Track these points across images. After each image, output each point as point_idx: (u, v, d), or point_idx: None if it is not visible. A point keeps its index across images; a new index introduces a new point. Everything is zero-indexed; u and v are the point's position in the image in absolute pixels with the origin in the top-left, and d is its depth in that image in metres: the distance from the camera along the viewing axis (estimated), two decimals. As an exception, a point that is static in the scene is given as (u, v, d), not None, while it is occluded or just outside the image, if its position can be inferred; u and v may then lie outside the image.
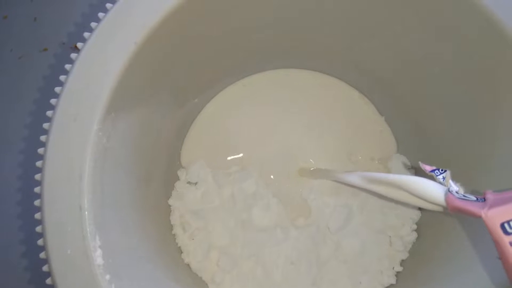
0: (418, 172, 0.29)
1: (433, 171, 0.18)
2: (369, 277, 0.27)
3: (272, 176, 0.30)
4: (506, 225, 0.14)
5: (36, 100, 0.25)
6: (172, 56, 0.23)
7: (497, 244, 0.15)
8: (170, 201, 0.29)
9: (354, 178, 0.24)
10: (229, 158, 0.30)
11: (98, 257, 0.18)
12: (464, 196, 0.17)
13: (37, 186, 0.18)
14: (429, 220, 0.28)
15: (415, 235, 0.28)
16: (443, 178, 0.18)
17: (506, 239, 0.14)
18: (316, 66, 0.32)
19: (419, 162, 0.19)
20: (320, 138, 0.31)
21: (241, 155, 0.31)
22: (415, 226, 0.28)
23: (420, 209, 0.29)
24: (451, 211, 0.17)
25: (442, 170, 0.18)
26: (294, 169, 0.30)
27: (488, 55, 0.21)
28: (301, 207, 0.29)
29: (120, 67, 0.19)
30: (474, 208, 0.15)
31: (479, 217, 0.15)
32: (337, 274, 0.28)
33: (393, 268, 0.28)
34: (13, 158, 0.25)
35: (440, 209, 0.18)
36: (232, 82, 0.31)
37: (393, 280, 0.27)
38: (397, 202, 0.26)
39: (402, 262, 0.28)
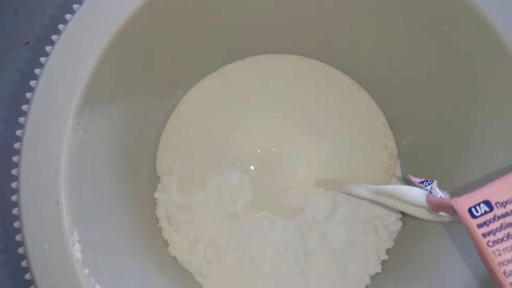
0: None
1: (421, 182, 0.19)
2: (356, 266, 0.28)
3: (254, 168, 0.30)
4: (473, 210, 0.15)
5: (13, 94, 0.25)
6: (149, 47, 0.22)
7: (467, 228, 0.15)
8: (156, 194, 0.29)
9: (361, 190, 0.25)
10: (209, 154, 0.30)
11: (76, 252, 0.17)
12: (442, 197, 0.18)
13: (14, 181, 0.18)
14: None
15: (400, 224, 0.28)
16: (431, 187, 0.19)
17: (473, 222, 0.15)
18: (301, 50, 0.31)
19: (409, 175, 0.20)
20: (307, 129, 0.30)
21: (222, 150, 0.30)
22: (400, 215, 0.29)
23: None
24: (432, 209, 0.18)
25: (430, 181, 0.19)
26: (278, 161, 0.30)
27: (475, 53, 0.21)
28: (287, 200, 0.29)
29: (94, 59, 0.18)
30: (448, 200, 0.16)
31: (451, 206, 0.16)
32: (323, 264, 0.28)
33: (379, 256, 0.28)
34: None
35: (429, 216, 0.19)
36: (211, 72, 0.31)
37: (378, 269, 0.28)
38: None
39: (388, 251, 0.28)
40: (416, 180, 0.19)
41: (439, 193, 0.18)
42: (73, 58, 0.18)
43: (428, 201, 0.18)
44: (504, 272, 0.14)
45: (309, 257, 0.28)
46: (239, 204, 0.29)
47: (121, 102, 0.22)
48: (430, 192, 0.19)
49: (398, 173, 0.30)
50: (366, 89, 0.31)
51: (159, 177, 0.29)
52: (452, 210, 0.16)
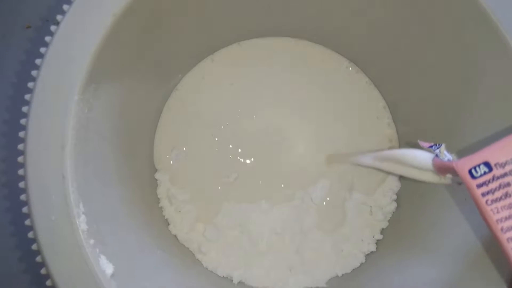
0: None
1: (430, 146, 0.20)
2: (351, 245, 0.28)
3: (251, 150, 0.30)
4: (473, 170, 0.16)
5: (18, 72, 0.25)
6: (152, 28, 0.23)
7: (467, 188, 0.16)
8: (157, 175, 0.29)
9: (367, 159, 0.25)
10: (206, 137, 0.30)
11: (82, 223, 0.18)
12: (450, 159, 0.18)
13: (20, 155, 0.19)
14: (409, 191, 0.29)
15: (394, 205, 0.29)
16: (439, 151, 0.19)
17: (473, 182, 0.16)
18: (298, 33, 0.31)
19: (418, 141, 0.20)
20: (305, 111, 0.30)
21: (219, 132, 0.30)
22: (395, 197, 0.29)
23: (400, 180, 0.30)
24: (438, 172, 0.19)
25: (438, 144, 0.19)
26: (276, 143, 0.30)
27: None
28: (285, 181, 0.30)
29: (99, 38, 0.19)
30: (450, 163, 0.17)
31: (453, 168, 0.16)
32: (319, 243, 0.29)
33: (374, 236, 0.29)
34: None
35: (436, 179, 0.19)
36: (207, 55, 0.31)
37: (373, 248, 0.28)
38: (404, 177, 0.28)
39: (382, 231, 0.29)
40: (425, 144, 0.20)
41: (447, 156, 0.18)
42: (78, 36, 0.19)
43: (434, 164, 0.19)
44: (502, 229, 0.15)
45: (305, 236, 0.29)
46: (238, 185, 0.29)
47: (123, 82, 0.23)
48: (437, 155, 0.19)
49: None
50: (365, 72, 0.31)
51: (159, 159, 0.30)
52: (454, 172, 0.17)
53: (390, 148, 0.30)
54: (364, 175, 0.29)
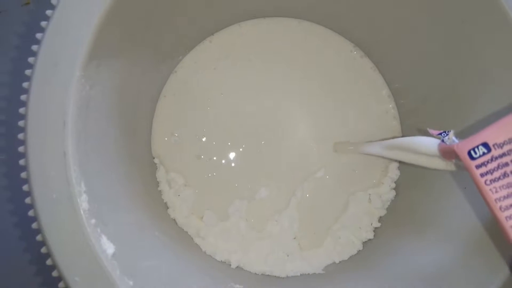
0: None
1: (440, 133, 0.20)
2: (348, 232, 0.29)
3: (252, 134, 0.30)
4: (472, 152, 0.16)
5: (18, 46, 0.25)
6: (153, 7, 0.22)
7: (467, 169, 0.16)
8: (156, 160, 0.29)
9: (375, 148, 0.26)
10: (204, 123, 0.30)
11: (83, 202, 0.18)
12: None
13: (21, 132, 0.18)
14: (407, 179, 0.29)
15: (393, 193, 0.29)
16: (447, 137, 0.19)
17: (472, 163, 0.16)
18: (301, 14, 0.30)
19: (427, 128, 0.20)
20: (307, 94, 0.30)
21: (217, 118, 0.30)
22: (393, 185, 0.29)
23: (399, 168, 0.30)
24: (444, 157, 0.19)
25: (447, 131, 0.19)
26: (277, 126, 0.30)
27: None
28: (285, 166, 0.30)
29: (101, 14, 0.18)
30: (451, 145, 0.17)
31: (454, 151, 0.17)
32: (318, 229, 0.29)
33: (372, 224, 0.29)
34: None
35: (443, 165, 0.19)
36: (207, 36, 0.30)
37: (371, 235, 0.29)
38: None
39: (380, 219, 0.29)
40: (434, 132, 0.20)
41: (455, 141, 0.18)
42: (80, 11, 0.18)
43: (439, 149, 0.19)
44: (500, 208, 0.16)
45: (303, 223, 0.29)
46: (236, 171, 0.29)
47: (124, 61, 0.23)
48: (443, 141, 0.19)
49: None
50: (370, 57, 0.30)
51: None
52: (456, 155, 0.17)
53: (394, 137, 0.30)
54: (367, 163, 0.29)
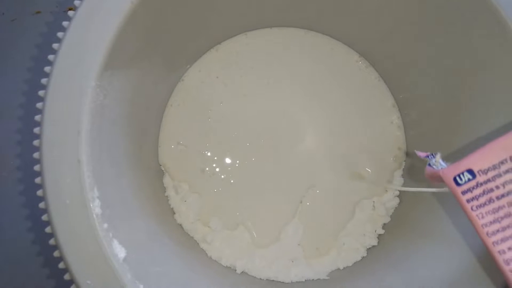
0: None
1: (426, 156, 0.20)
2: (353, 239, 0.29)
3: (257, 144, 0.30)
4: (457, 178, 0.17)
5: (34, 57, 0.25)
6: (165, 17, 0.23)
7: (454, 196, 0.17)
8: (163, 167, 0.30)
9: None
10: (210, 131, 0.30)
11: (96, 207, 0.18)
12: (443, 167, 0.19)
13: (36, 139, 0.19)
14: (411, 187, 0.30)
15: (397, 200, 0.30)
16: (434, 160, 0.19)
17: (458, 189, 0.16)
18: (308, 24, 0.31)
19: (414, 151, 0.21)
20: (312, 104, 0.30)
21: (223, 127, 0.30)
22: (397, 192, 0.30)
23: (403, 176, 0.30)
24: (430, 181, 0.19)
25: (434, 154, 0.20)
26: (282, 136, 0.30)
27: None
28: (290, 174, 0.30)
29: (116, 25, 0.19)
30: (437, 171, 0.17)
31: (440, 176, 0.17)
32: (322, 237, 0.29)
33: (376, 231, 0.29)
34: (12, 108, 0.25)
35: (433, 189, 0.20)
36: (213, 46, 0.31)
37: (375, 242, 0.29)
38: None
39: (384, 226, 0.29)
40: (422, 154, 0.20)
41: (442, 165, 0.18)
42: (96, 22, 0.19)
43: (426, 173, 0.19)
44: (487, 233, 0.16)
45: (308, 232, 0.29)
46: (242, 178, 0.30)
47: (135, 70, 0.23)
48: (429, 164, 0.19)
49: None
50: (375, 68, 0.31)
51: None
52: (441, 179, 0.17)
53: (398, 148, 0.31)
54: (372, 172, 0.29)
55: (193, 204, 0.29)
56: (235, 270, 0.28)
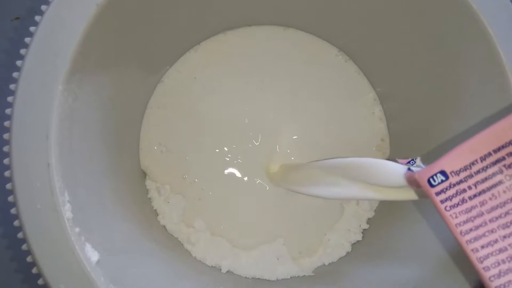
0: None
1: (408, 162, 0.20)
2: (337, 234, 0.29)
3: (239, 143, 0.30)
4: (431, 179, 0.17)
5: (3, 62, 0.25)
6: (137, 19, 0.23)
7: (429, 197, 0.17)
8: (144, 168, 0.30)
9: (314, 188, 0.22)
10: (190, 133, 0.30)
11: (67, 211, 0.18)
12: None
13: (6, 145, 0.19)
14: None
15: (380, 194, 0.30)
16: (416, 165, 0.19)
17: (432, 190, 0.17)
18: (285, 21, 0.31)
19: (396, 159, 0.20)
20: (293, 101, 0.30)
21: (203, 127, 0.30)
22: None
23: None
24: (409, 184, 0.19)
25: (414, 159, 0.20)
26: (264, 134, 0.30)
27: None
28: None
29: (82, 28, 0.19)
30: (413, 174, 0.18)
31: (416, 179, 0.17)
32: (306, 232, 0.29)
33: (360, 226, 0.29)
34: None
35: (411, 195, 0.19)
36: (193, 46, 0.31)
37: (359, 237, 0.29)
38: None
39: (369, 220, 0.29)
40: (403, 161, 0.20)
41: (421, 167, 0.19)
42: (62, 26, 0.19)
43: (407, 177, 0.18)
44: (461, 232, 0.16)
45: (293, 226, 0.29)
46: (225, 178, 0.30)
47: (109, 73, 0.23)
48: (409, 169, 0.19)
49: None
50: (355, 62, 0.31)
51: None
52: (415, 179, 0.17)
53: (382, 139, 0.30)
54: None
55: (176, 205, 0.29)
56: (220, 269, 0.28)
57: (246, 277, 0.28)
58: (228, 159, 0.30)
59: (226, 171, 0.30)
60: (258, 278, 0.28)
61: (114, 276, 0.19)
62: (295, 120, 0.30)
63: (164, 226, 0.29)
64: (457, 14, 0.21)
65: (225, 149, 0.30)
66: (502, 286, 0.16)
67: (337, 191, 0.20)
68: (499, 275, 0.16)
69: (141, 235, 0.25)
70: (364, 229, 0.29)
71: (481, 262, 0.16)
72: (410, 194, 0.18)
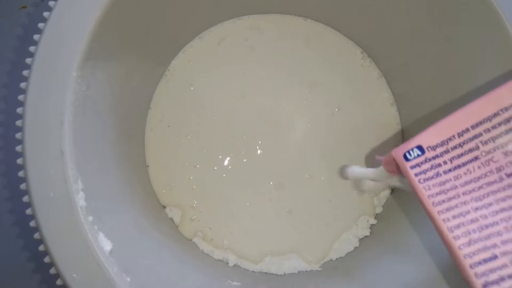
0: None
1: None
2: (345, 230, 0.29)
3: (248, 138, 0.29)
4: (407, 154, 0.17)
5: (16, 48, 0.25)
6: (149, 7, 0.23)
7: (403, 171, 0.18)
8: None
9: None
10: (196, 123, 0.29)
11: (80, 199, 0.18)
12: None
13: (18, 132, 0.18)
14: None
15: (389, 190, 0.30)
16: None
17: (407, 164, 0.17)
18: (304, 11, 0.30)
19: (375, 156, 0.21)
20: (306, 99, 0.30)
21: (211, 118, 0.29)
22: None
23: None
24: (388, 171, 0.19)
25: None
26: (274, 131, 0.29)
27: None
28: (283, 168, 0.30)
29: (97, 14, 0.19)
30: (389, 153, 0.18)
31: (392, 158, 0.18)
32: (314, 228, 0.29)
33: (368, 221, 0.29)
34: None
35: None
36: (202, 31, 0.30)
37: (367, 232, 0.29)
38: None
39: (376, 216, 0.29)
40: (382, 158, 0.20)
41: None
42: (76, 12, 0.19)
43: (383, 162, 0.19)
44: (433, 203, 0.17)
45: (300, 222, 0.29)
46: (232, 171, 0.29)
47: (119, 62, 0.23)
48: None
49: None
50: (376, 64, 0.31)
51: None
52: (396, 164, 0.18)
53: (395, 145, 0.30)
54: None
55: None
56: (227, 263, 0.28)
57: (253, 271, 0.28)
58: (235, 150, 0.29)
59: (236, 157, 0.29)
60: (266, 273, 0.28)
61: (126, 266, 0.19)
62: (305, 116, 0.30)
63: (171, 219, 0.28)
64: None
65: (231, 140, 0.29)
66: (471, 254, 0.16)
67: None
68: (469, 243, 0.16)
69: (150, 227, 0.25)
70: (372, 225, 0.29)
71: (452, 231, 0.16)
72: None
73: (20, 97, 0.19)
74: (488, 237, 0.16)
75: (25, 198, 0.18)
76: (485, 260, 0.16)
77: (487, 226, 0.16)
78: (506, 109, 0.17)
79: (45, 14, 0.19)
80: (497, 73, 0.21)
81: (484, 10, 0.20)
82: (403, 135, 0.30)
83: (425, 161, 0.17)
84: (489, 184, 0.17)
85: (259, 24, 0.30)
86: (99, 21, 0.19)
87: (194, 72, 0.30)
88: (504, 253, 0.16)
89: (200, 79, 0.30)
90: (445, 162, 0.17)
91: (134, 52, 0.24)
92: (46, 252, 0.18)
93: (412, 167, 0.17)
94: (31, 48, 0.19)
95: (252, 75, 0.30)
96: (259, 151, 0.29)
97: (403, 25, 0.26)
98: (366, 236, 0.29)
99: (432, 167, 0.17)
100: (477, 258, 0.16)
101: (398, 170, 0.18)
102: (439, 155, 0.17)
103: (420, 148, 0.17)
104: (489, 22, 0.20)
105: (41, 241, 0.18)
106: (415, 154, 0.17)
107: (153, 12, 0.24)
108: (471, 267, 0.16)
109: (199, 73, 0.30)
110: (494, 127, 0.17)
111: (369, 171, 0.21)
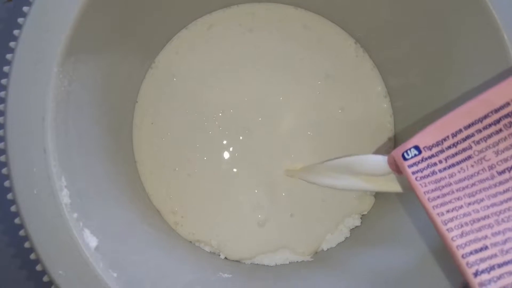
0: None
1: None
2: (336, 220, 0.29)
3: (237, 130, 0.29)
4: (405, 154, 0.18)
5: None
6: (131, 3, 0.22)
7: (401, 169, 0.19)
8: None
9: (317, 176, 0.25)
10: (184, 117, 0.29)
11: (64, 197, 0.18)
12: None
13: (0, 129, 0.18)
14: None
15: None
16: None
17: (405, 163, 0.18)
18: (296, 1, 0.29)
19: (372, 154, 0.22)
20: (297, 91, 0.29)
21: (199, 112, 0.29)
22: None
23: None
24: (393, 170, 0.20)
25: None
26: (263, 123, 0.29)
27: None
28: (272, 161, 0.30)
29: (77, 9, 0.18)
30: (391, 153, 0.19)
31: (393, 158, 0.19)
32: (305, 218, 0.29)
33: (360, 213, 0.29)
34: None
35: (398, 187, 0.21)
36: (191, 22, 0.29)
37: (358, 223, 0.29)
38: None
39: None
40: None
41: None
42: (56, 6, 0.18)
43: (389, 162, 0.20)
44: (429, 199, 0.18)
45: (291, 212, 0.29)
46: (222, 164, 0.29)
47: (104, 56, 0.22)
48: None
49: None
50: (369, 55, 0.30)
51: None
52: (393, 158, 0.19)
53: (389, 139, 0.30)
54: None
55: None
56: (219, 255, 0.28)
57: (244, 263, 0.28)
58: (231, 141, 0.29)
59: (231, 149, 0.29)
60: (257, 264, 0.28)
61: (113, 261, 0.19)
62: (296, 108, 0.29)
63: (158, 211, 0.28)
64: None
65: (223, 129, 0.29)
66: (463, 245, 0.17)
67: (341, 183, 0.23)
68: (461, 235, 0.17)
69: (139, 221, 0.25)
70: (363, 215, 0.29)
71: (446, 224, 0.17)
72: (396, 187, 0.20)
73: (1, 94, 0.18)
74: (479, 229, 0.17)
75: (9, 196, 0.18)
76: (476, 251, 0.17)
77: (478, 220, 0.17)
78: (496, 110, 0.17)
79: (25, 8, 0.19)
80: (489, 69, 0.21)
81: (478, 9, 0.20)
82: (395, 127, 0.30)
83: (422, 160, 0.18)
84: (481, 181, 0.18)
85: (251, 11, 0.30)
86: (80, 14, 0.19)
87: (179, 62, 0.29)
88: (494, 244, 0.17)
89: (185, 68, 0.29)
90: (440, 161, 0.18)
91: (118, 46, 0.24)
92: (31, 249, 0.18)
93: (410, 165, 0.18)
94: (11, 44, 0.19)
95: (242, 64, 0.29)
96: (248, 148, 0.29)
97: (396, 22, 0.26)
98: (357, 227, 0.29)
99: (428, 166, 0.18)
100: (468, 248, 0.17)
101: (397, 169, 0.19)
102: (434, 154, 0.18)
103: (417, 148, 0.18)
104: (482, 21, 0.20)
105: (26, 238, 0.18)
106: (413, 154, 0.18)
107: (137, 3, 0.23)
108: (463, 256, 0.17)
109: (184, 62, 0.29)
110: (485, 128, 0.18)
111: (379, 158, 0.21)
